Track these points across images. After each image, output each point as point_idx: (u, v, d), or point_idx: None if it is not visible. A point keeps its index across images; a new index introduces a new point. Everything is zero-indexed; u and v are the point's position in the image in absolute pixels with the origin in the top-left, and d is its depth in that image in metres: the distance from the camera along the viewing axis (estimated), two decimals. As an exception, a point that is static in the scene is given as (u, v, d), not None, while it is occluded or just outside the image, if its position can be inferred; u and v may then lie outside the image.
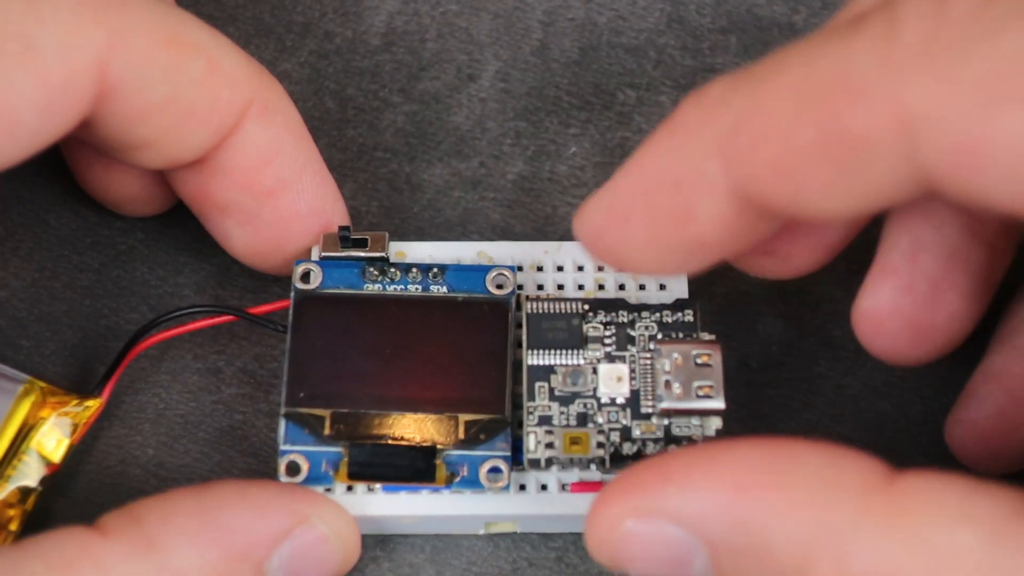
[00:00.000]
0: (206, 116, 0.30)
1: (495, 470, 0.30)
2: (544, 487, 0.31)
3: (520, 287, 0.32)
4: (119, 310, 0.35)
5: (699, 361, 0.30)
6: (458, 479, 0.30)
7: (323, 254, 0.32)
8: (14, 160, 0.27)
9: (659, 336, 0.31)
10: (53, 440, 0.31)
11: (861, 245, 0.35)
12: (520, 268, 0.32)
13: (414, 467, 0.30)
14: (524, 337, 0.30)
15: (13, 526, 0.30)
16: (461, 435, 0.30)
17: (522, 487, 0.31)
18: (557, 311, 0.31)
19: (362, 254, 0.31)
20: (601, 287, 0.32)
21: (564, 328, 0.31)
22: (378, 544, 0.33)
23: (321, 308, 0.31)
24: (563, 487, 0.31)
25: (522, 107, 0.35)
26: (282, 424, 0.30)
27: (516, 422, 0.30)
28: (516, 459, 0.30)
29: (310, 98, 0.36)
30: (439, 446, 0.30)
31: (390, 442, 0.30)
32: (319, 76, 0.36)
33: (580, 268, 0.32)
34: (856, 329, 0.31)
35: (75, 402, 0.31)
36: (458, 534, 0.33)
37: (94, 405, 0.31)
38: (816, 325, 0.35)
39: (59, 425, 0.31)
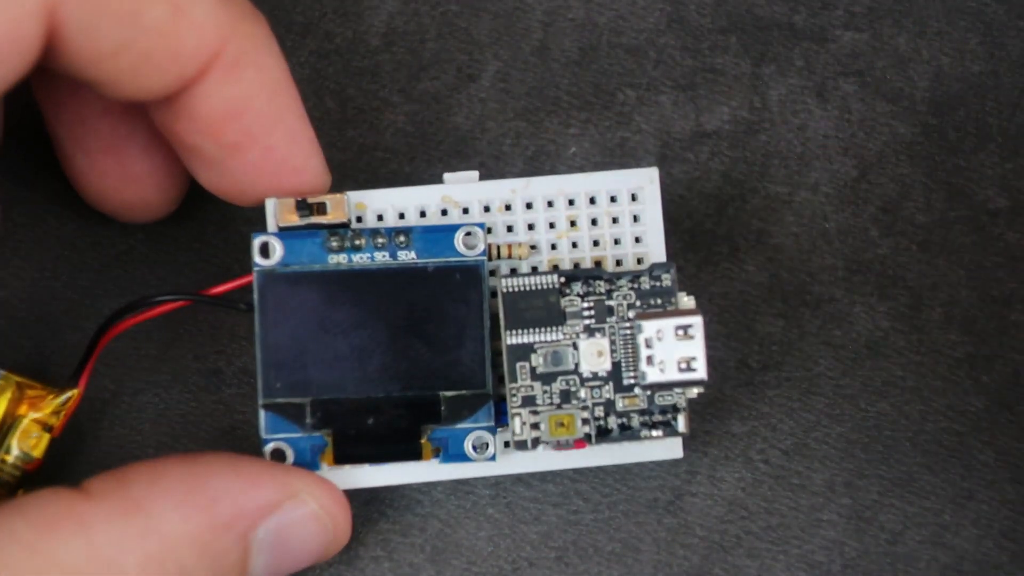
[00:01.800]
0: (165, 63, 0.28)
1: (480, 442, 0.30)
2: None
3: (489, 229, 0.31)
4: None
5: (680, 333, 0.29)
6: (444, 453, 0.30)
7: (280, 225, 0.30)
8: None
9: (638, 305, 0.30)
10: (34, 436, 0.31)
11: (864, 248, 0.35)
12: (487, 208, 0.31)
13: (399, 447, 0.30)
14: (501, 317, 0.30)
15: None
16: (444, 412, 0.30)
17: (507, 444, 0.30)
18: (533, 288, 0.30)
19: (323, 221, 0.30)
20: (573, 223, 0.31)
21: (541, 306, 0.30)
22: (378, 544, 0.33)
23: (287, 288, 0.30)
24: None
25: (522, 107, 0.35)
26: (262, 415, 0.30)
27: (498, 380, 0.30)
28: (500, 421, 0.30)
29: (310, 98, 0.36)
30: (423, 425, 0.30)
31: (373, 424, 0.30)
32: (319, 76, 0.36)
33: (550, 204, 0.31)
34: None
35: (52, 395, 0.31)
36: (458, 534, 0.33)
37: (72, 396, 0.31)
38: (816, 325, 0.35)
39: (39, 420, 0.31)
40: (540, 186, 0.31)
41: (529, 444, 0.30)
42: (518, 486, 0.33)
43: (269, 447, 0.30)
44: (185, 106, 0.29)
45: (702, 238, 0.35)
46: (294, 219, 0.30)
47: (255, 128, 0.30)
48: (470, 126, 0.36)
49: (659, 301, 0.30)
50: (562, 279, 0.30)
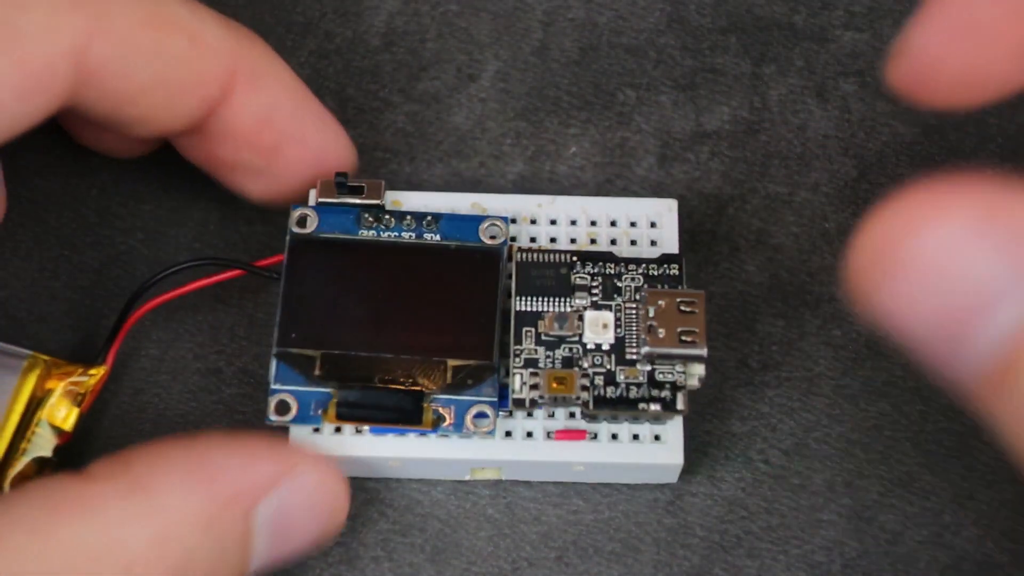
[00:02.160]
0: (191, 90, 0.30)
1: (481, 415, 0.31)
2: (529, 434, 0.31)
3: (513, 239, 0.32)
4: (119, 310, 0.35)
5: (683, 308, 0.30)
6: (445, 424, 0.31)
7: (320, 200, 0.32)
8: None
9: (645, 288, 0.31)
10: (63, 410, 0.31)
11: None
12: (514, 220, 0.32)
13: (401, 410, 0.30)
14: (513, 284, 0.31)
15: None
16: (449, 380, 0.30)
17: (508, 434, 0.31)
18: (546, 260, 0.31)
19: (358, 201, 0.32)
20: (593, 241, 0.33)
21: (552, 276, 0.31)
22: (378, 544, 0.33)
23: (316, 252, 0.31)
24: (548, 435, 0.31)
25: (522, 107, 0.35)
26: (273, 363, 0.31)
27: (503, 371, 0.31)
28: (502, 406, 0.31)
29: (310, 98, 0.36)
30: (427, 390, 0.30)
31: (379, 385, 0.30)
32: (319, 76, 0.36)
33: (573, 222, 0.33)
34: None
35: (80, 371, 0.32)
36: (458, 534, 0.33)
37: (99, 372, 0.32)
38: (816, 325, 0.35)
39: (67, 395, 0.31)
40: (565, 204, 0.33)
41: (527, 403, 0.30)
42: (518, 486, 0.33)
43: (275, 398, 0.31)
44: (218, 127, 0.31)
45: (702, 238, 0.35)
46: (332, 196, 0.32)
47: (287, 126, 0.32)
48: (470, 126, 0.36)
49: (665, 287, 0.31)
50: (575, 257, 0.31)
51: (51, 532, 0.25)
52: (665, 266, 0.32)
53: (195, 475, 0.27)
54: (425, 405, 0.31)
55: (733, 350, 0.34)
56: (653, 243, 0.33)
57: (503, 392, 0.31)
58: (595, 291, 0.31)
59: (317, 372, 0.30)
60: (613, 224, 0.33)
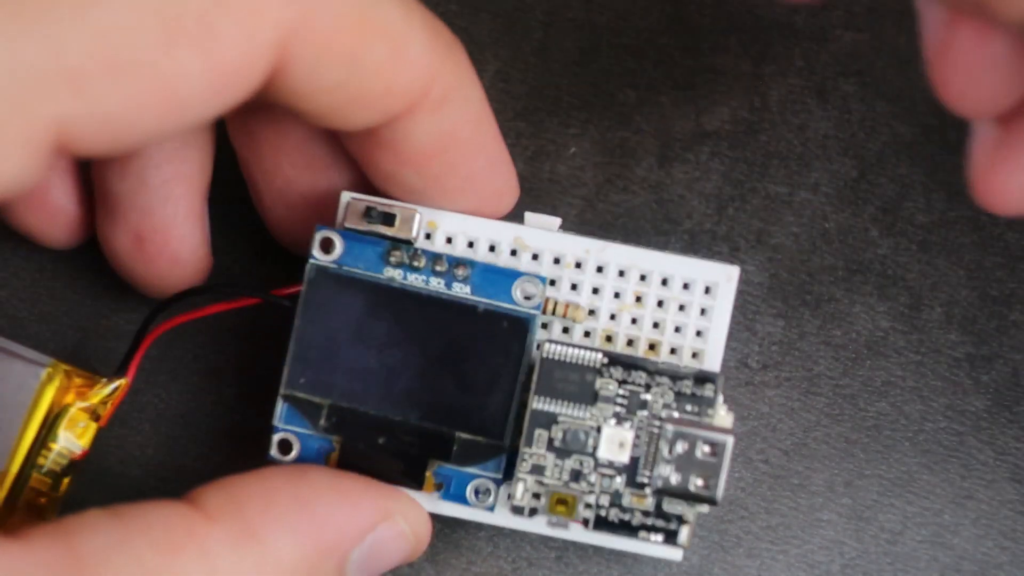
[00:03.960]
0: (376, 101, 0.28)
1: (484, 491, 0.30)
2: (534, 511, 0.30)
3: (552, 282, 0.30)
4: (119, 310, 0.35)
5: (706, 450, 0.29)
6: (445, 489, 0.30)
7: (346, 225, 0.30)
8: (169, 133, 0.26)
9: (674, 406, 0.29)
10: (81, 424, 0.31)
11: (864, 248, 0.35)
12: (557, 261, 0.30)
13: (403, 473, 0.30)
14: (535, 380, 0.29)
15: (48, 515, 0.31)
16: (456, 452, 0.30)
17: (508, 500, 0.30)
18: (573, 361, 0.29)
19: (387, 233, 0.30)
20: (638, 299, 0.30)
21: (576, 381, 0.29)
22: (378, 544, 0.33)
23: (336, 289, 0.30)
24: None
25: (522, 107, 0.35)
26: (279, 404, 0.30)
27: (516, 433, 0.30)
28: (509, 473, 0.30)
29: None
30: (431, 458, 0.30)
31: (383, 444, 0.30)
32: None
33: (621, 273, 0.30)
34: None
35: (100, 384, 0.31)
36: (458, 534, 0.33)
37: (120, 386, 0.31)
38: (816, 325, 0.35)
39: (86, 408, 0.31)
40: (616, 253, 0.30)
41: (526, 512, 0.29)
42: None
43: (278, 436, 0.30)
44: (390, 139, 0.29)
45: (702, 238, 0.35)
46: (360, 224, 0.30)
47: (458, 160, 0.30)
48: (470, 126, 0.36)
49: (696, 409, 0.29)
50: (605, 360, 0.29)
51: (166, 570, 0.25)
52: (700, 385, 0.29)
53: (304, 522, 0.27)
54: (428, 473, 0.30)
55: (733, 350, 0.34)
56: (703, 311, 0.30)
57: (511, 459, 0.30)
58: (620, 402, 0.29)
59: (322, 422, 0.30)
60: (664, 283, 0.30)
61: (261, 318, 0.34)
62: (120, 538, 0.25)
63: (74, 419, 0.31)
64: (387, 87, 0.28)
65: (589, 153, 0.35)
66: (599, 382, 0.29)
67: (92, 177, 0.33)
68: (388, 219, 0.30)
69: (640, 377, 0.29)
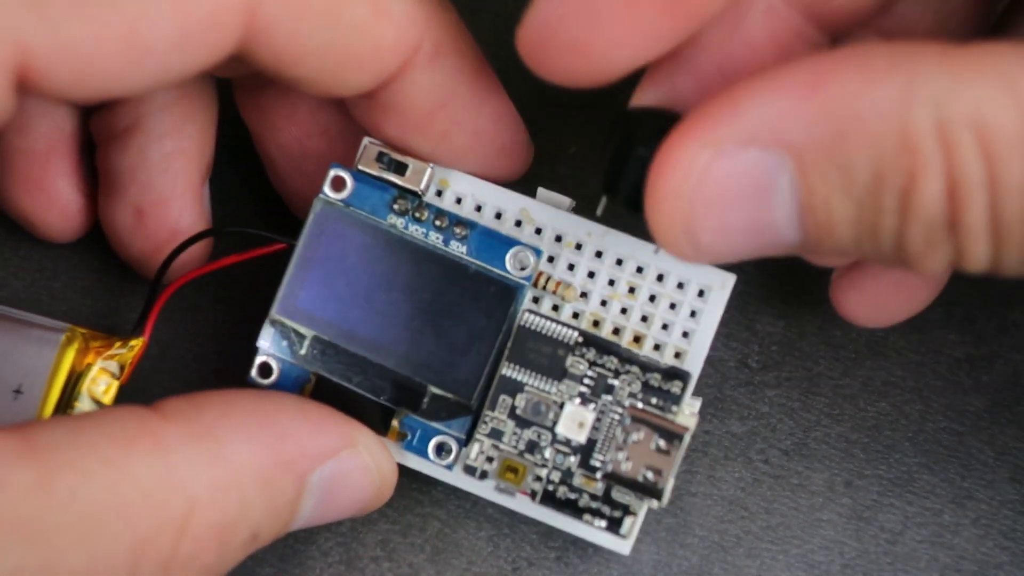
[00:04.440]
0: (365, 62, 0.28)
1: (445, 447, 0.30)
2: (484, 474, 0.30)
3: (551, 258, 0.30)
4: (119, 310, 0.35)
5: (660, 445, 0.29)
6: (408, 440, 0.30)
7: (360, 167, 0.30)
8: (141, 88, 0.26)
9: (639, 396, 0.29)
10: (103, 383, 0.31)
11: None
12: (559, 239, 0.30)
13: (370, 418, 0.30)
14: (508, 346, 0.29)
15: None
16: (425, 405, 0.30)
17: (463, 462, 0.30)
18: (548, 334, 0.29)
19: (397, 181, 0.30)
20: (624, 311, 0.30)
21: (548, 354, 0.29)
22: (378, 544, 0.33)
23: (338, 226, 0.30)
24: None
25: (522, 107, 0.35)
26: (266, 327, 0.30)
27: (481, 404, 0.30)
28: (472, 436, 0.30)
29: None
30: (400, 407, 0.30)
31: (356, 387, 0.30)
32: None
33: (619, 262, 0.30)
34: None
35: (118, 344, 0.32)
36: (458, 534, 0.33)
37: (137, 344, 0.32)
38: (816, 325, 0.35)
39: (107, 368, 0.31)
40: (616, 241, 0.30)
41: (478, 474, 0.30)
42: (518, 486, 0.33)
43: (260, 359, 0.31)
44: (389, 102, 0.29)
45: (702, 238, 0.35)
46: (373, 168, 0.30)
47: (461, 114, 0.30)
48: (470, 126, 0.36)
49: (661, 403, 0.29)
50: (580, 339, 0.29)
51: (123, 465, 0.25)
52: (670, 380, 0.29)
53: (263, 432, 0.28)
54: (394, 421, 0.30)
55: (733, 350, 0.34)
56: (693, 314, 0.30)
57: (471, 433, 0.30)
58: (586, 382, 0.29)
59: (303, 352, 0.30)
60: (660, 279, 0.30)
61: (262, 318, 0.34)
62: (75, 431, 0.26)
63: (96, 379, 0.31)
64: (374, 45, 0.28)
65: (589, 153, 0.35)
66: (570, 359, 0.29)
67: (96, 159, 0.33)
68: (400, 168, 0.30)
69: (611, 362, 0.29)
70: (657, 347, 0.30)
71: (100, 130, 0.33)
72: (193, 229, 0.32)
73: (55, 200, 0.33)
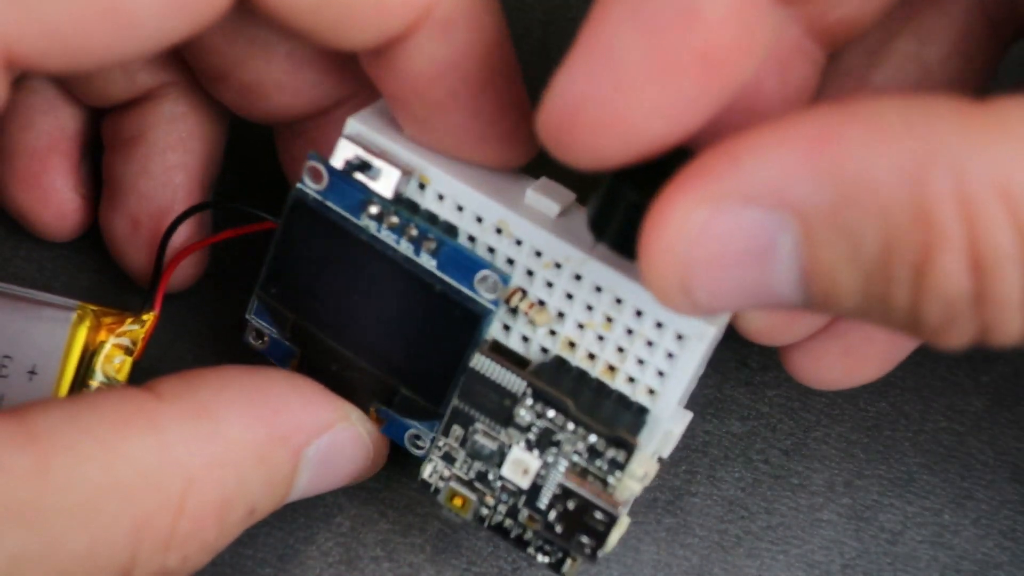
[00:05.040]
0: (367, 20, 0.27)
1: (418, 439, 0.30)
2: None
3: (530, 272, 0.29)
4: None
5: (590, 520, 0.28)
6: (386, 425, 0.30)
7: (333, 164, 0.29)
8: (138, 55, 0.26)
9: (585, 457, 0.28)
10: (117, 360, 0.31)
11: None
12: (539, 254, 0.28)
13: (350, 399, 0.30)
14: (460, 382, 0.29)
15: None
16: (396, 402, 0.30)
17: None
18: (496, 381, 0.28)
19: (367, 184, 0.29)
20: (600, 338, 0.28)
21: (496, 401, 0.28)
22: (378, 544, 0.33)
23: (311, 223, 0.29)
24: None
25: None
26: (254, 299, 0.31)
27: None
28: (445, 432, 0.30)
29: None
30: (375, 399, 0.30)
31: (335, 370, 0.30)
32: (319, 76, 0.36)
33: (599, 289, 0.28)
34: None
35: (130, 320, 0.32)
36: (458, 534, 0.33)
37: (149, 319, 0.32)
38: (816, 325, 0.35)
39: (120, 344, 0.31)
40: (596, 271, 0.28)
41: (432, 490, 0.30)
42: (518, 486, 0.33)
43: (253, 324, 0.31)
44: (392, 61, 0.28)
45: (702, 238, 0.35)
46: (345, 166, 0.29)
47: (461, 90, 0.28)
48: (470, 126, 0.36)
49: (604, 468, 0.28)
50: (529, 390, 0.28)
51: (118, 445, 0.26)
52: (615, 449, 0.28)
53: (257, 408, 0.28)
54: (371, 408, 0.30)
55: (733, 350, 0.34)
56: (670, 355, 0.28)
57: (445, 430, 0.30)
58: (532, 433, 0.28)
59: (287, 332, 0.31)
60: (639, 315, 0.28)
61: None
62: (71, 413, 0.26)
63: (110, 355, 0.31)
64: (376, 5, 0.27)
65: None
66: (517, 409, 0.28)
67: (102, 163, 0.33)
68: (367, 169, 0.29)
69: (559, 420, 0.28)
70: (631, 380, 0.29)
71: (109, 135, 0.33)
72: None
73: (52, 198, 0.33)
